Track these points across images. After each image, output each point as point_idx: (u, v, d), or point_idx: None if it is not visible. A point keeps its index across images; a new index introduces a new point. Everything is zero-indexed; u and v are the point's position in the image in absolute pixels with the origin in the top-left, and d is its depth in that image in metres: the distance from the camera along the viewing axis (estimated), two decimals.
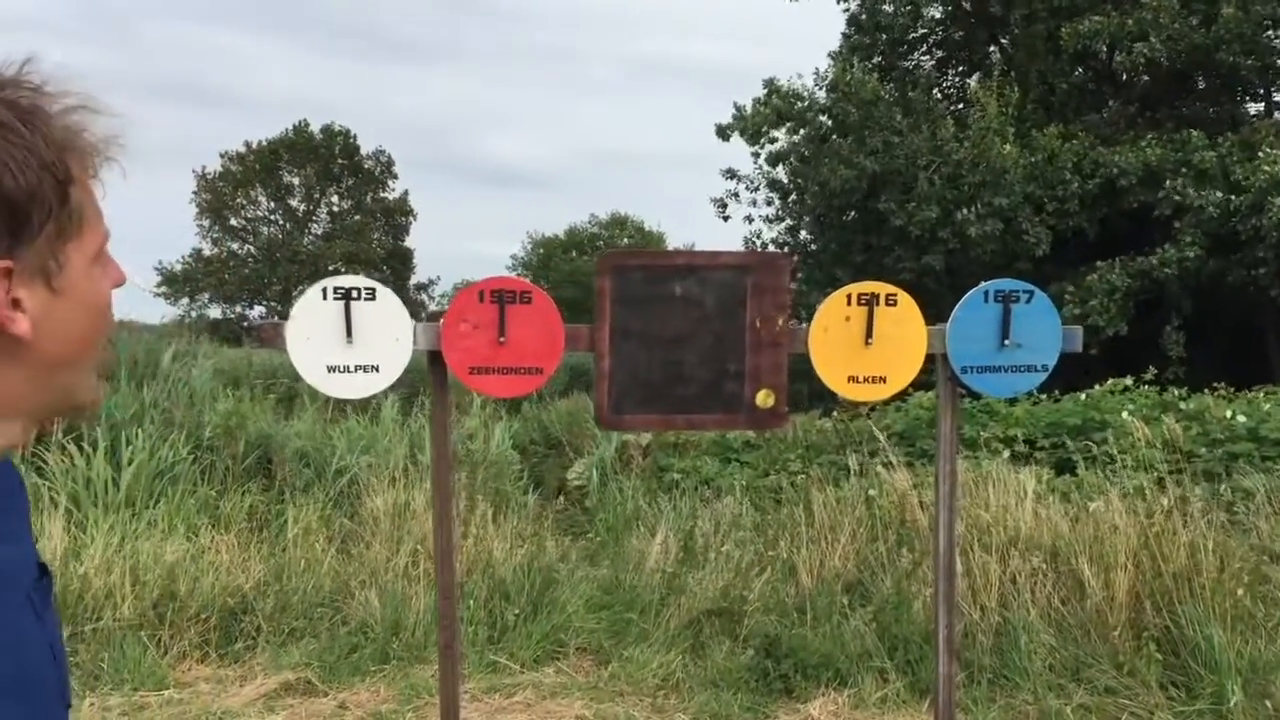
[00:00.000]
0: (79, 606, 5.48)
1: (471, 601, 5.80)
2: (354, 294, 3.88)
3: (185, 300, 41.72)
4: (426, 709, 4.79)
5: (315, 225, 44.66)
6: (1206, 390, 8.98)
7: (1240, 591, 4.94)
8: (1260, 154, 13.81)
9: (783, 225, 20.07)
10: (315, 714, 4.81)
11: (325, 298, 3.88)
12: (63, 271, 0.91)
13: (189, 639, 5.49)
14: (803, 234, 19.85)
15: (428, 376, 4.13)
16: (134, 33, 74.36)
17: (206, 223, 42.31)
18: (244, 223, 43.42)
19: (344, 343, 3.85)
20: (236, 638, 5.57)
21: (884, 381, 4.22)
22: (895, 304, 4.21)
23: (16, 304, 0.89)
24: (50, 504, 6.55)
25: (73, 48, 72.69)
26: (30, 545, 1.01)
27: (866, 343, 4.17)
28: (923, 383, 4.71)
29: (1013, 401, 8.87)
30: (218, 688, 5.12)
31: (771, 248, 20.00)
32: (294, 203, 44.33)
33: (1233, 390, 9.07)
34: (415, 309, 35.82)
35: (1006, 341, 4.18)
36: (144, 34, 74.06)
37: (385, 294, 3.92)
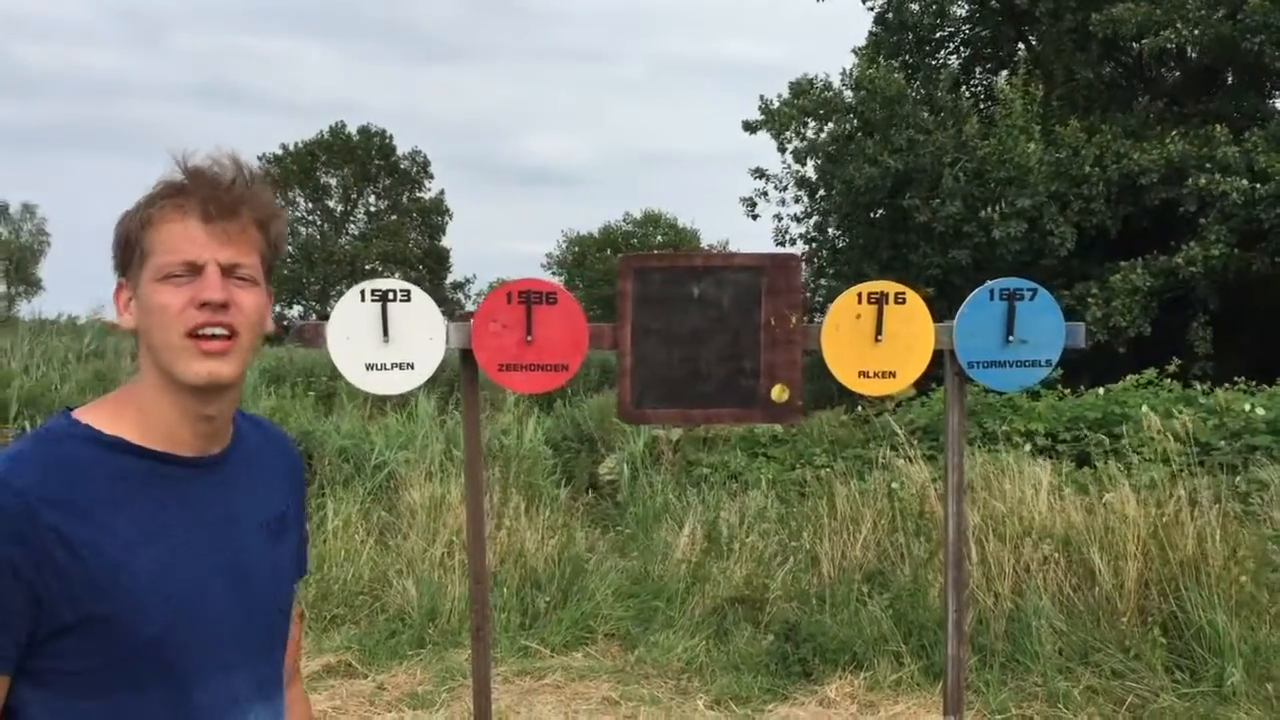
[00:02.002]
0: None
1: (504, 589, 6.05)
2: (390, 295, 4.13)
3: None
4: (460, 690, 5.04)
5: (352, 225, 45.26)
6: (1229, 384, 9.07)
7: (1244, 579, 5.08)
8: None
9: (811, 222, 20.23)
10: (356, 694, 5.08)
11: (363, 299, 4.13)
12: (141, 287, 1.36)
13: None
14: (830, 230, 19.99)
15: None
16: (169, 38, 75.48)
17: None
18: None
19: (381, 342, 4.11)
20: None
21: (893, 376, 4.41)
22: (904, 302, 4.40)
23: (128, 306, 1.39)
24: None
25: (108, 52, 73.88)
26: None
27: (876, 339, 4.37)
28: (943, 378, 4.89)
29: (1036, 396, 9.00)
30: None
31: (800, 244, 20.17)
32: (331, 203, 44.96)
33: (1255, 383, 9.14)
34: (451, 307, 36.21)
35: (1011, 338, 4.37)
36: (179, 39, 75.20)
37: (419, 295, 4.17)
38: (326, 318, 4.05)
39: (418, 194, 45.49)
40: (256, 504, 1.49)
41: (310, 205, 44.46)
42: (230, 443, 1.46)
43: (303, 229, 44.06)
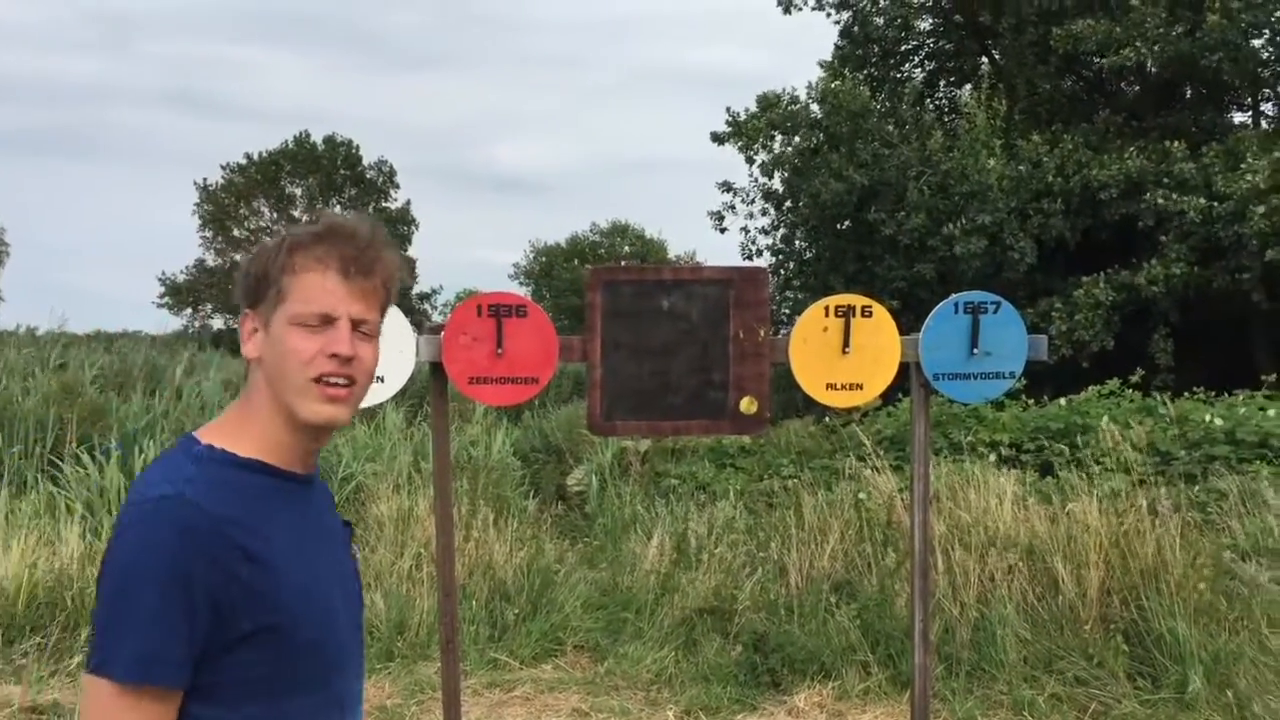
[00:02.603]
0: None
1: (473, 602, 6.05)
2: None
3: (188, 311, 42.03)
4: (430, 702, 5.03)
5: None
6: (1189, 394, 9.22)
7: (1204, 587, 5.17)
8: (1244, 164, 14.04)
9: (778, 234, 20.35)
10: None
11: None
12: (271, 325, 1.46)
13: None
14: (797, 243, 20.11)
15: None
16: (136, 43, 74.81)
17: (209, 234, 42.61)
18: (247, 233, 43.68)
19: None
20: None
21: (860, 388, 4.47)
22: (870, 315, 4.46)
23: (252, 336, 1.48)
24: (66, 511, 6.79)
25: (75, 58, 73.16)
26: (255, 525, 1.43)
27: (844, 352, 4.42)
28: (909, 389, 4.94)
29: (1000, 406, 9.11)
30: None
31: (767, 256, 20.27)
32: (297, 213, 44.60)
33: (1214, 394, 9.30)
34: (418, 318, 36.07)
35: (975, 350, 4.43)
36: (145, 45, 74.53)
37: (389, 308, 4.17)
38: None
39: (384, 204, 45.29)
40: (336, 528, 1.66)
41: (275, 215, 44.17)
42: (315, 470, 1.62)
43: (267, 239, 43.71)
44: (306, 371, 1.44)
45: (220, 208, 42.44)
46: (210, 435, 1.47)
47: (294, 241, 1.47)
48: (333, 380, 1.45)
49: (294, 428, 1.47)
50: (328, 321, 1.45)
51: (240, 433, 1.47)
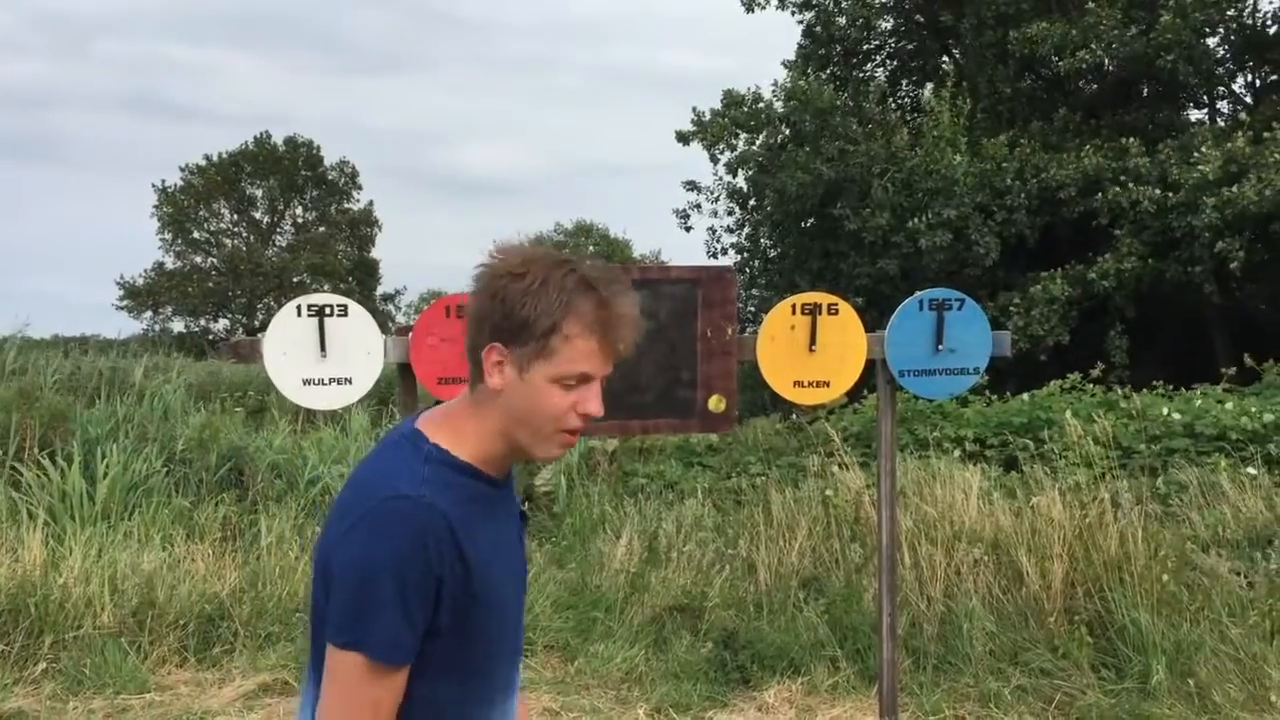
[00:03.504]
0: (60, 615, 5.65)
1: None
2: (327, 310, 4.11)
3: (148, 314, 41.52)
4: None
5: (279, 237, 44.51)
6: (1147, 389, 9.36)
7: (1165, 578, 5.26)
8: (1196, 155, 14.25)
9: (743, 233, 20.43)
10: (293, 711, 5.02)
11: (300, 314, 4.11)
12: (527, 372, 1.54)
13: (168, 645, 5.68)
14: (763, 241, 20.20)
15: (396, 387, 4.37)
16: (91, 46, 73.80)
17: (169, 236, 42.11)
18: (207, 235, 43.23)
19: (318, 357, 4.09)
20: (214, 643, 5.77)
21: (827, 386, 4.51)
22: (837, 313, 4.50)
23: (498, 367, 1.55)
24: (28, 517, 6.70)
25: (27, 61, 72.08)
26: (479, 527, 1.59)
27: (810, 349, 4.46)
28: (875, 386, 4.98)
29: (964, 403, 9.20)
30: (197, 690, 5.32)
31: (732, 254, 20.36)
32: (257, 215, 44.22)
33: (1173, 388, 9.44)
34: (382, 320, 35.87)
35: (941, 346, 4.49)
36: (101, 47, 73.54)
37: (357, 310, 4.16)
38: (254, 331, 4.02)
39: (346, 205, 44.96)
40: (516, 523, 1.78)
41: (235, 217, 43.71)
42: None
43: (228, 240, 43.29)
44: (559, 423, 1.58)
45: (180, 210, 41.94)
46: (436, 434, 1.61)
47: (580, 305, 1.54)
48: (575, 431, 1.60)
49: (514, 452, 1.62)
50: (585, 380, 1.57)
51: (462, 437, 1.60)
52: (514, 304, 1.53)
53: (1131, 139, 15.20)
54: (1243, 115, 16.36)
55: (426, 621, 1.51)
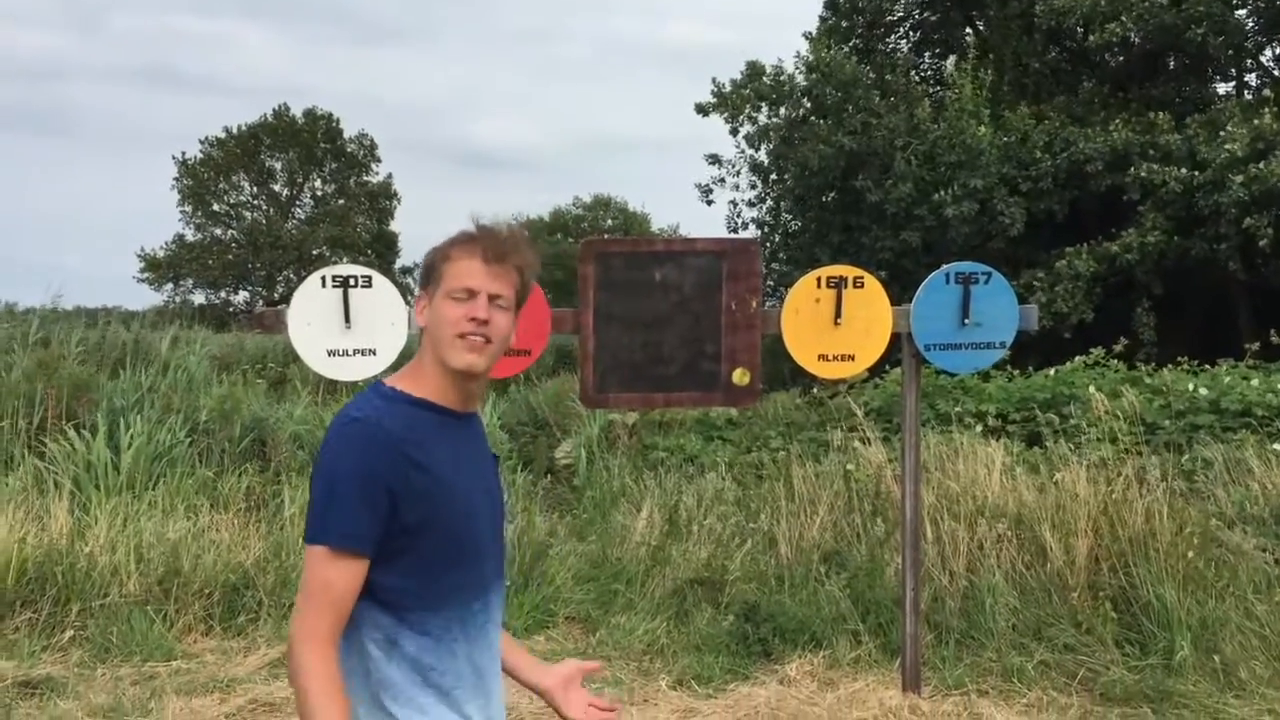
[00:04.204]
0: (86, 583, 5.71)
1: None
2: (351, 281, 4.11)
3: (169, 286, 41.69)
4: None
5: (299, 210, 44.53)
6: (1172, 365, 9.28)
7: (1191, 554, 5.22)
8: (1223, 133, 14.07)
9: (764, 206, 20.30)
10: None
11: (324, 285, 4.11)
12: (433, 302, 1.95)
13: (194, 613, 5.73)
14: (783, 215, 20.07)
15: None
16: (108, 20, 73.85)
17: (189, 209, 42.19)
18: (227, 208, 43.28)
19: (343, 328, 4.09)
20: (239, 611, 5.82)
21: (852, 359, 4.49)
22: (862, 286, 4.47)
23: (422, 312, 1.98)
24: (53, 487, 6.76)
25: (45, 35, 72.17)
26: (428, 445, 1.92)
27: (835, 323, 4.43)
28: (898, 361, 4.96)
29: (986, 377, 9.15)
30: (223, 658, 5.37)
31: (752, 228, 20.24)
32: (277, 187, 44.23)
33: (1198, 364, 9.36)
34: (401, 292, 35.86)
35: (966, 320, 4.45)
36: (118, 21, 73.57)
37: (381, 281, 4.16)
38: (274, 304, 4.02)
39: (365, 178, 44.87)
40: (486, 455, 2.11)
41: (255, 190, 43.72)
42: (475, 410, 2.10)
43: (248, 214, 43.34)
44: (454, 330, 1.92)
45: (200, 182, 42.01)
46: (397, 381, 1.98)
47: (454, 238, 1.97)
48: (471, 337, 1.91)
49: (448, 374, 1.95)
50: (471, 295, 1.92)
51: (415, 380, 1.97)
52: (424, 260, 2.01)
53: (1161, 113, 15.00)
54: (1266, 92, 16.14)
55: (386, 518, 1.83)
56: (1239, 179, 13.44)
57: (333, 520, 1.82)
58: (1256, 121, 13.88)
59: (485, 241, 1.95)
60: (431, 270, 1.97)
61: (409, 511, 1.85)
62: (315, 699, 1.78)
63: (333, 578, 1.81)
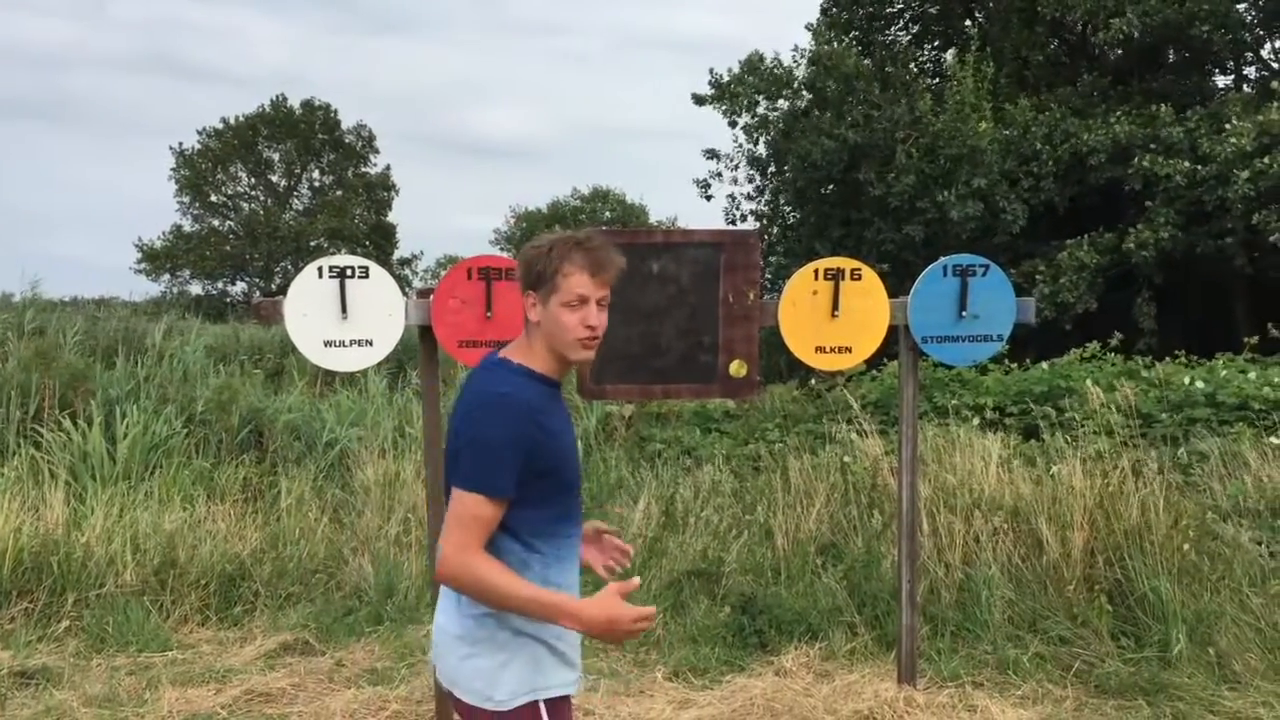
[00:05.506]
0: (82, 573, 5.72)
1: None
2: (348, 272, 4.10)
3: (166, 277, 41.58)
4: (420, 665, 5.05)
5: (297, 201, 44.44)
6: (1169, 358, 9.28)
7: (1186, 547, 5.23)
8: (1227, 126, 14.06)
9: (763, 199, 20.28)
10: (314, 671, 5.06)
11: (321, 276, 4.10)
12: (548, 306, 2.34)
13: (190, 603, 5.73)
14: (782, 207, 20.05)
15: (414, 350, 4.36)
16: (105, 6, 73.58)
17: (186, 199, 42.10)
18: (224, 199, 43.18)
19: (339, 319, 4.08)
20: (236, 602, 5.82)
21: (849, 351, 4.48)
22: (860, 278, 4.46)
23: (533, 308, 2.36)
24: (49, 476, 6.75)
25: (42, 20, 71.93)
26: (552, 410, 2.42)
27: (833, 315, 4.43)
28: (896, 353, 4.95)
29: (983, 370, 9.15)
30: (219, 648, 5.37)
31: (751, 220, 20.21)
32: (274, 178, 44.13)
33: (1195, 358, 9.36)
34: (399, 284, 35.83)
35: (964, 313, 4.45)
36: (116, 7, 73.32)
37: (378, 272, 4.15)
38: (271, 294, 4.02)
39: (363, 169, 44.79)
40: (568, 412, 2.54)
41: (253, 181, 43.61)
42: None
43: (246, 204, 43.24)
44: (575, 334, 2.34)
45: (197, 173, 41.91)
46: (516, 357, 2.40)
47: (562, 248, 2.34)
48: (588, 339, 2.35)
49: (561, 360, 2.39)
50: (584, 302, 2.33)
51: (530, 358, 2.39)
52: (526, 259, 2.38)
53: (1162, 106, 14.99)
54: (1274, 84, 16.12)
55: (523, 469, 2.28)
56: (1244, 174, 13.44)
57: (490, 476, 2.28)
58: (1261, 116, 13.87)
59: (592, 256, 2.35)
60: (542, 276, 2.35)
61: (539, 462, 2.31)
62: (496, 578, 2.27)
63: (486, 514, 2.29)
